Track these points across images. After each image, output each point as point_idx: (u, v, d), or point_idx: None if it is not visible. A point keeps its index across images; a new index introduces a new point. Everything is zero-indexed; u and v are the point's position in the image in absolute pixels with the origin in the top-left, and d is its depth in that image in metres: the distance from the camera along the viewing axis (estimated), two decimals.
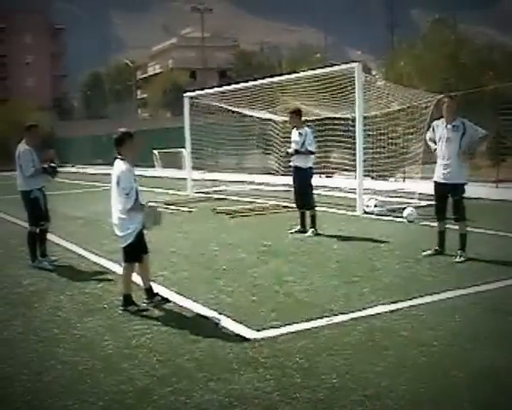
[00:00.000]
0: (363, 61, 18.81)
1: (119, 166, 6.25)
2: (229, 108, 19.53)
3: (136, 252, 6.34)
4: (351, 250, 9.13)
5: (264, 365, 4.74)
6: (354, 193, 13.49)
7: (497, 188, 16.57)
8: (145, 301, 6.45)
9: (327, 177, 19.97)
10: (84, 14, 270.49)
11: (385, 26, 49.15)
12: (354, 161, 13.63)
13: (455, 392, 4.19)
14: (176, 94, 54.88)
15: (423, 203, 12.84)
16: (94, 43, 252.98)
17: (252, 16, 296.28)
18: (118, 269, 7.62)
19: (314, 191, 10.85)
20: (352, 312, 5.94)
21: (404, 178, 18.46)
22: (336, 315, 5.85)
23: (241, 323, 5.74)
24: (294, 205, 11.18)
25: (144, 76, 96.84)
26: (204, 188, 19.63)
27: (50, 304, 6.81)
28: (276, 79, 16.48)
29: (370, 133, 15.00)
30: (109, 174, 6.61)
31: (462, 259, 7.95)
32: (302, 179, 10.61)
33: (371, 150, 15.09)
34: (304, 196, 10.61)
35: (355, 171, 13.71)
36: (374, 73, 27.73)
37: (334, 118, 16.74)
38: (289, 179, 11.58)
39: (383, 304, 6.16)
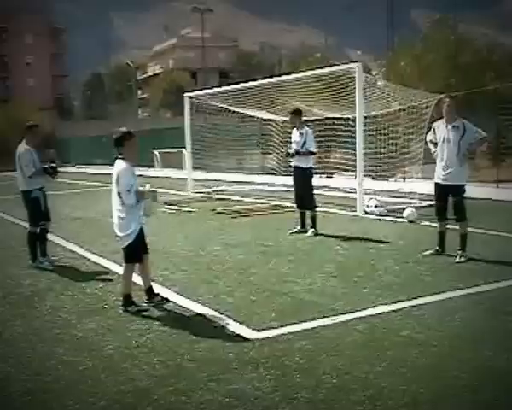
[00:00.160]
0: (363, 61, 18.80)
1: (119, 165, 6.26)
2: (230, 108, 19.54)
3: (136, 252, 6.34)
4: (351, 250, 9.13)
5: (264, 365, 4.74)
6: (354, 193, 13.49)
7: (497, 188, 16.57)
8: (145, 301, 6.46)
9: (327, 177, 19.97)
10: (84, 14, 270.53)
11: (385, 26, 49.10)
12: (354, 161, 13.62)
13: (455, 392, 4.19)
14: (176, 94, 54.94)
15: (424, 203, 12.83)
16: (94, 44, 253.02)
17: (252, 16, 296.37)
18: (118, 269, 7.62)
19: (314, 191, 10.85)
20: (353, 312, 5.94)
21: (405, 178, 18.46)
22: (336, 315, 5.85)
23: (241, 323, 5.74)
24: (295, 205, 11.18)
25: (144, 76, 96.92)
26: (204, 188, 19.64)
27: (51, 304, 6.81)
28: (275, 79, 16.50)
29: (371, 133, 15.00)
30: (110, 174, 6.61)
31: (463, 259, 7.95)
32: (302, 179, 10.61)
33: (371, 150, 15.09)
34: (304, 196, 10.61)
35: (355, 171, 13.70)
36: (374, 73, 27.67)
37: (335, 118, 16.75)
38: (289, 179, 11.58)
39: (383, 304, 6.16)
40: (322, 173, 19.19)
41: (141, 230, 6.32)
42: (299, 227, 10.74)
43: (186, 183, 19.96)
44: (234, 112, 20.15)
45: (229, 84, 19.48)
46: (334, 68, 14.61)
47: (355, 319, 5.76)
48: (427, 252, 8.38)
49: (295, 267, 8.06)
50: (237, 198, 17.17)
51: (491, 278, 7.01)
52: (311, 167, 10.64)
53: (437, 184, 8.32)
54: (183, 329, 5.70)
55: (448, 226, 8.40)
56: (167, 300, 6.49)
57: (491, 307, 6.03)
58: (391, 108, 15.42)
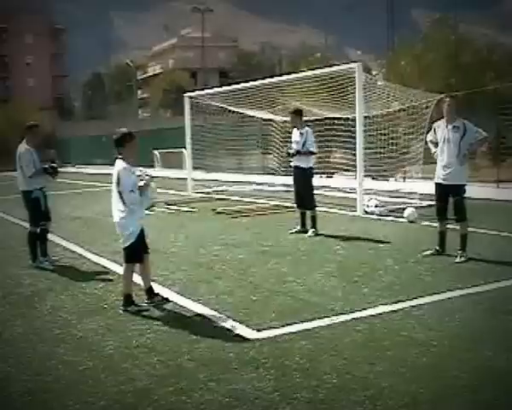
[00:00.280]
0: (363, 61, 18.79)
1: (119, 165, 6.27)
2: (230, 108, 19.54)
3: (137, 252, 6.34)
4: (351, 250, 9.13)
5: (264, 365, 4.74)
6: (354, 193, 13.49)
7: (497, 188, 16.57)
8: (145, 301, 6.46)
9: (327, 177, 19.97)
10: (84, 14, 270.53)
11: (385, 25, 49.08)
12: (354, 161, 13.62)
13: (455, 392, 4.19)
14: (176, 94, 54.97)
15: (424, 203, 12.84)
16: (94, 44, 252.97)
17: (252, 16, 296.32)
18: (118, 269, 7.62)
19: (314, 191, 10.85)
20: (353, 312, 5.94)
21: (405, 178, 18.46)
22: (336, 315, 5.86)
23: (241, 323, 5.75)
24: (295, 205, 11.19)
25: (144, 76, 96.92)
26: (204, 188, 19.64)
27: (51, 304, 6.81)
28: (276, 79, 16.49)
29: (371, 133, 15.00)
30: (109, 174, 6.62)
31: (463, 259, 7.95)
32: (303, 179, 10.61)
33: (371, 150, 15.08)
34: (304, 196, 10.61)
35: (355, 171, 13.70)
36: (374, 72, 27.64)
37: (335, 118, 16.74)
38: (289, 179, 11.58)
39: (383, 304, 6.16)
40: (323, 173, 19.18)
41: (141, 230, 6.34)
42: (299, 227, 10.74)
43: (186, 183, 19.96)
44: (234, 112, 20.15)
45: (229, 84, 19.49)
46: (335, 68, 14.61)
47: (355, 319, 5.76)
48: (428, 252, 8.38)
49: (295, 267, 8.06)
50: (237, 198, 17.17)
51: (491, 278, 7.01)
52: (311, 167, 10.64)
53: (437, 184, 8.32)
54: (183, 329, 5.71)
55: (448, 226, 8.41)
56: (167, 300, 6.49)
57: (491, 306, 6.03)
58: (391, 108, 15.41)
